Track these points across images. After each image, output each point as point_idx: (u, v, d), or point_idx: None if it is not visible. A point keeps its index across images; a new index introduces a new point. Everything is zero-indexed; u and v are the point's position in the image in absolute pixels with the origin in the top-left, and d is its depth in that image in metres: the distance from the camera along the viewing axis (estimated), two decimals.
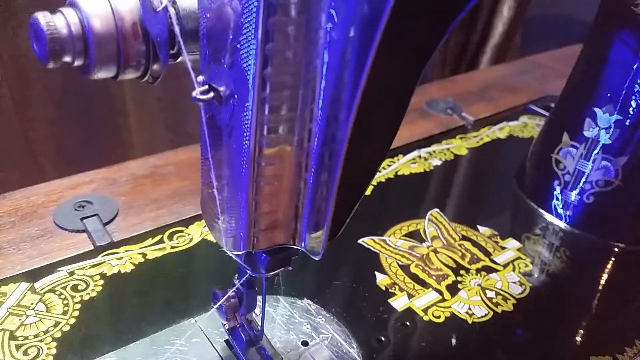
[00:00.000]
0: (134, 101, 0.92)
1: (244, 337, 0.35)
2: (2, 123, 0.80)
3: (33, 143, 0.86)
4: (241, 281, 0.32)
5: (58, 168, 0.88)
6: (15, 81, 0.79)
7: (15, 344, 0.37)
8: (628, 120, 0.49)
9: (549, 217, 0.55)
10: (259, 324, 0.35)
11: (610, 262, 0.52)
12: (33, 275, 0.42)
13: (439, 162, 0.63)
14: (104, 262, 0.44)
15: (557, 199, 0.55)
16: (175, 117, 0.96)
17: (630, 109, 0.49)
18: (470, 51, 1.33)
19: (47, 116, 0.86)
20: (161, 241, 0.47)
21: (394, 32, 0.19)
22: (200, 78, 0.23)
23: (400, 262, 0.47)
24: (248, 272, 0.31)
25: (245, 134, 0.22)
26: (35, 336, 0.38)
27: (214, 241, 0.29)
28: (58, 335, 0.38)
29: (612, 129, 0.50)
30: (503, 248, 0.50)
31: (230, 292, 0.34)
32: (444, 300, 0.44)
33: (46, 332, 0.38)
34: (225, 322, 0.35)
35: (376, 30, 0.19)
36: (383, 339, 0.40)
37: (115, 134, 0.93)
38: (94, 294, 0.41)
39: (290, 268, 0.30)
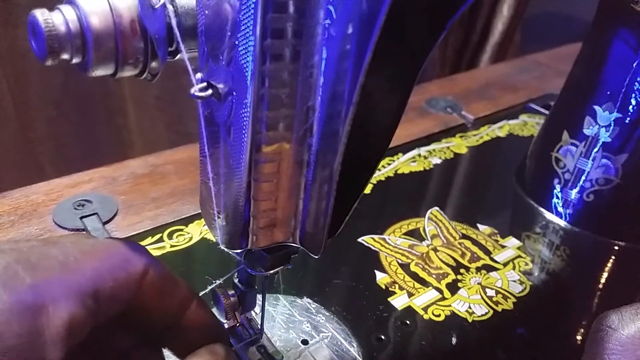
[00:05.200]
0: (133, 100, 0.92)
1: (244, 336, 0.35)
2: (1, 122, 0.80)
3: (32, 142, 0.86)
4: (237, 274, 0.32)
5: (57, 167, 0.88)
6: (14, 81, 0.79)
7: None
8: (628, 118, 0.49)
9: (549, 216, 0.55)
10: (259, 322, 0.35)
11: (611, 260, 0.51)
12: None
13: (438, 161, 0.62)
14: None
15: (557, 197, 0.54)
16: (174, 117, 0.96)
17: (630, 106, 0.49)
18: (470, 50, 1.33)
19: (46, 115, 0.86)
20: (161, 240, 0.47)
21: (392, 28, 0.19)
22: (199, 75, 0.23)
23: (400, 261, 0.47)
24: (248, 270, 0.31)
25: (243, 131, 0.22)
26: None
27: (214, 240, 0.29)
28: None
29: (612, 127, 0.50)
30: (503, 246, 0.50)
31: (220, 288, 0.34)
32: (444, 298, 0.44)
33: None
34: (225, 321, 0.35)
35: (374, 26, 0.19)
36: (383, 337, 0.40)
37: (115, 133, 0.93)
38: None
39: (290, 266, 0.30)
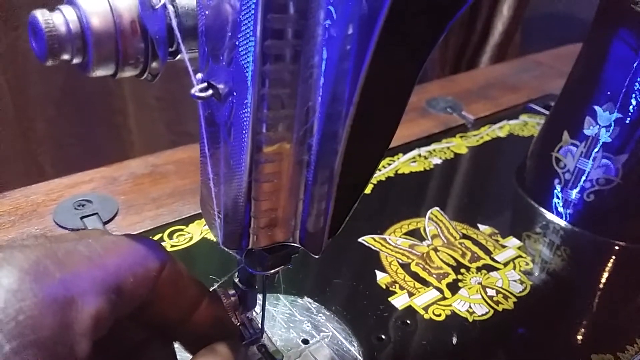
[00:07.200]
0: (133, 101, 0.92)
1: (244, 336, 0.35)
2: (1, 122, 0.80)
3: (33, 142, 0.86)
4: (238, 273, 0.32)
5: (58, 167, 0.88)
6: (14, 81, 0.79)
7: None
8: (628, 119, 0.49)
9: (549, 216, 0.55)
10: (260, 322, 0.35)
11: (611, 260, 0.51)
12: None
13: (439, 161, 0.62)
14: None
15: (558, 198, 0.54)
16: (174, 117, 0.96)
17: (631, 107, 0.49)
18: (470, 50, 1.33)
19: (46, 115, 0.85)
20: (161, 240, 0.47)
21: (392, 28, 0.19)
22: (199, 76, 0.23)
23: (400, 261, 0.47)
24: (248, 270, 0.31)
25: (244, 132, 0.22)
26: None
27: (214, 240, 0.29)
28: None
29: (612, 127, 0.50)
30: (503, 246, 0.50)
31: (221, 288, 0.33)
32: (444, 298, 0.44)
33: None
34: None
35: (375, 27, 0.19)
36: (383, 337, 0.40)
37: (115, 134, 0.93)
38: None
39: (291, 266, 0.30)
